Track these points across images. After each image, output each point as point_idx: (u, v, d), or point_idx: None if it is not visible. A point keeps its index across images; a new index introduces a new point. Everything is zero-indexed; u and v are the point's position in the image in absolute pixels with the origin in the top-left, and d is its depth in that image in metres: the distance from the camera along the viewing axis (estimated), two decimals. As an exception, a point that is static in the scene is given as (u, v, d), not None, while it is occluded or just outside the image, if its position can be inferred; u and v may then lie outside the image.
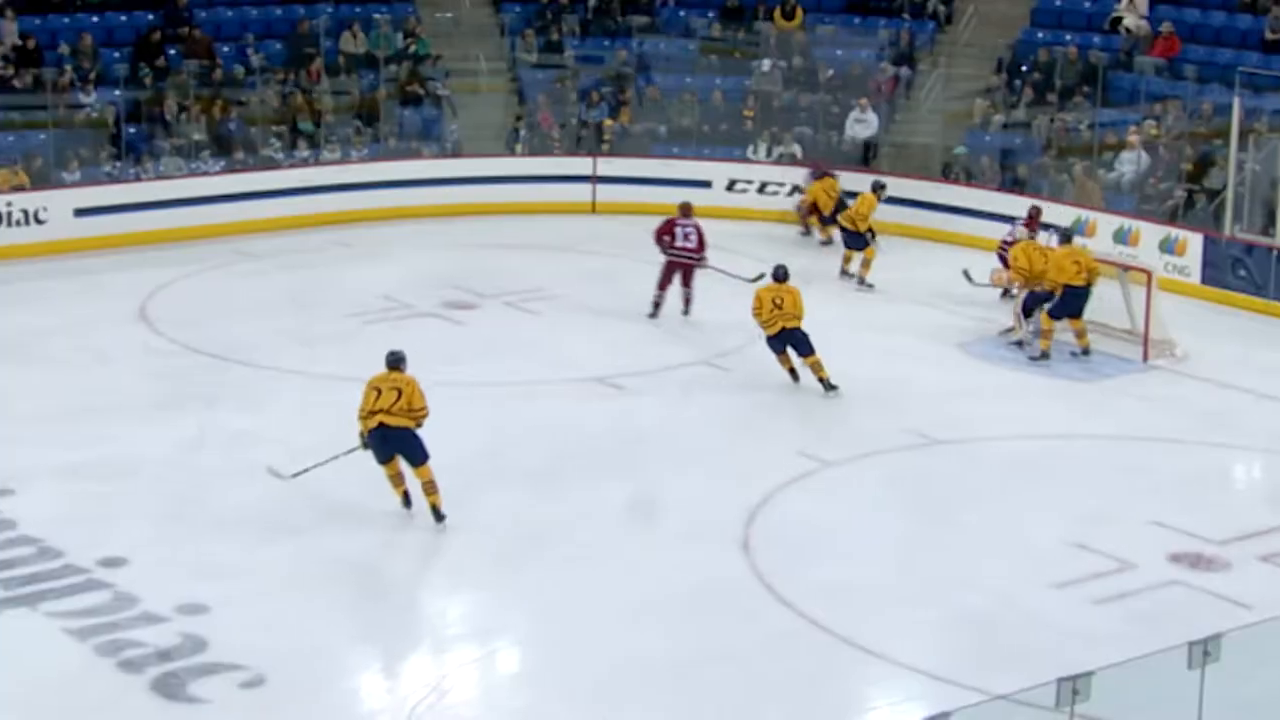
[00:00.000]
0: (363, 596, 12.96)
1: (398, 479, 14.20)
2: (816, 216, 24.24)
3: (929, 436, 16.45)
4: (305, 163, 25.16)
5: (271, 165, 25.00)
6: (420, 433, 14.05)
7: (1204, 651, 9.09)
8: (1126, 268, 19.86)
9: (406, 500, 14.24)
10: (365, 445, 14.20)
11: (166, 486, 14.95)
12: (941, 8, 27.98)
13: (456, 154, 26.36)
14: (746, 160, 26.38)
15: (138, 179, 24.03)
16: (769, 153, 26.38)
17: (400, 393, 14.10)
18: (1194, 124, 23.99)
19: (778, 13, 27.93)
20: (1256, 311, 21.13)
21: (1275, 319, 20.95)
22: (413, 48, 27.05)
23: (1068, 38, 26.32)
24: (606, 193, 25.98)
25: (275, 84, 25.76)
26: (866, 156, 26.11)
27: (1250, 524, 14.39)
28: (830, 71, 27.15)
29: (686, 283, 20.23)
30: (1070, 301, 18.71)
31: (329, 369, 18.11)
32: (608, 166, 26.12)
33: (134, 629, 12.14)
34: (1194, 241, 22.09)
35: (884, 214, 24.22)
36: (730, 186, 25.89)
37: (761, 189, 25.81)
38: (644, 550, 13.80)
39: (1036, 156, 25.10)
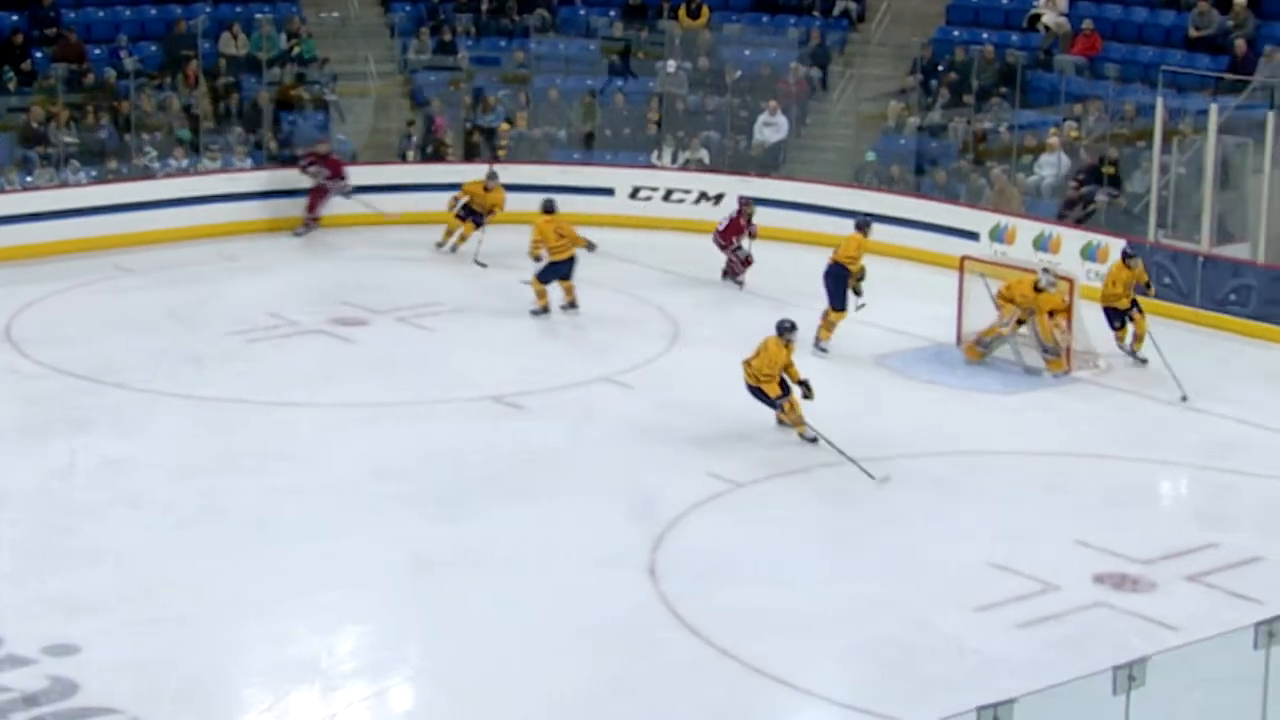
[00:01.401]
0: (245, 631, 12.82)
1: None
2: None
3: (842, 456, 16.48)
4: (184, 172, 24.95)
5: (147, 175, 24.77)
6: None
7: (1129, 676, 9.13)
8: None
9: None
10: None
11: (34, 518, 14.74)
12: (853, 6, 28.16)
13: (345, 161, 26.20)
14: (651, 166, 26.41)
15: (2, 191, 23.74)
16: (674, 158, 26.42)
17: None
18: (1116, 125, 24.22)
19: (682, 11, 28.00)
20: (1182, 320, 21.31)
21: (1201, 328, 21.18)
22: (297, 50, 26.91)
23: (984, 36, 26.53)
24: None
25: (150, 89, 25.51)
26: (776, 161, 26.19)
27: (1176, 543, 14.52)
28: (738, 73, 27.24)
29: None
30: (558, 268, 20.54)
31: (211, 390, 17.97)
32: (504, 173, 26.00)
33: (-2, 672, 11.97)
34: (1117, 248, 22.21)
35: (796, 221, 24.36)
36: (634, 194, 25.90)
37: (667, 196, 25.83)
38: (545, 579, 13.74)
39: (953, 160, 25.27)
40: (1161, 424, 17.82)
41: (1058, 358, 18.88)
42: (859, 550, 14.57)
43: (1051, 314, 18.95)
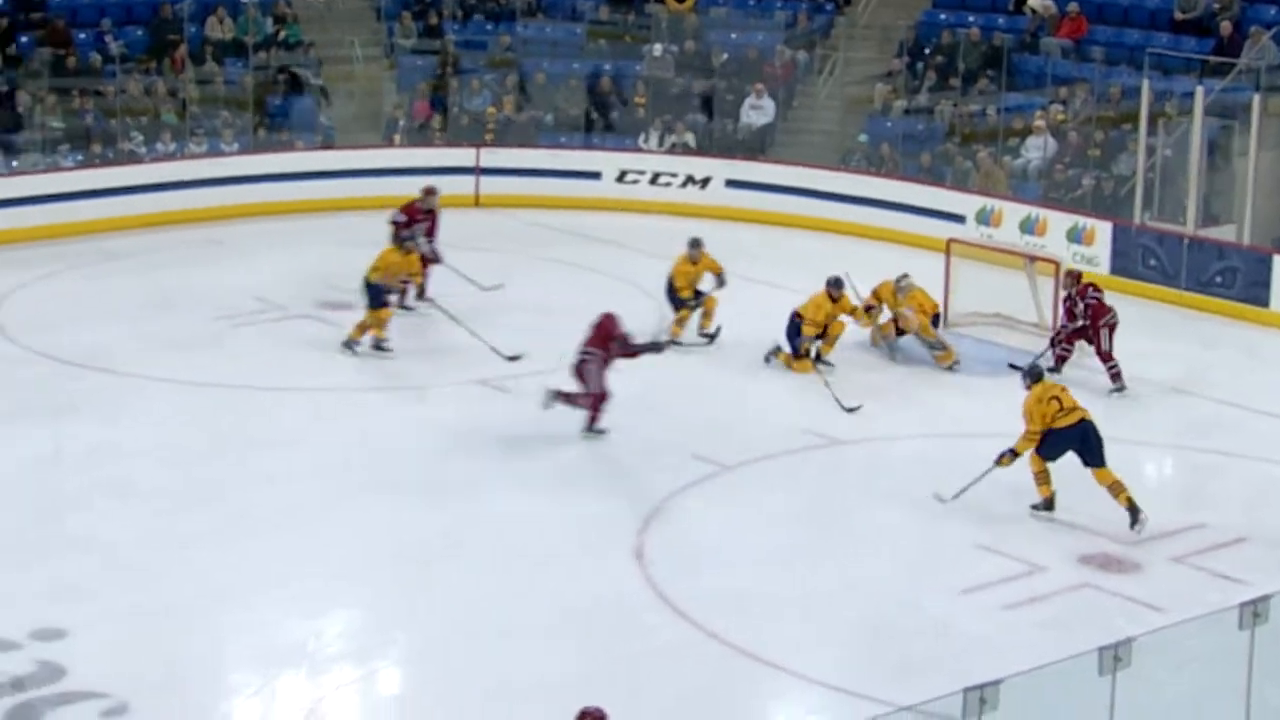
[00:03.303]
0: (232, 617, 12.79)
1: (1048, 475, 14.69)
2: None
3: (829, 437, 16.48)
4: (170, 156, 24.89)
5: (134, 160, 24.70)
6: None
7: (1115, 657, 9.14)
8: (1034, 258, 20.01)
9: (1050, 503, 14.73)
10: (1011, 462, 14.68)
11: (18, 504, 14.70)
12: (839, -11, 28.14)
13: (331, 146, 26.17)
14: (638, 150, 26.37)
15: (-11, 175, 23.69)
16: (661, 141, 26.38)
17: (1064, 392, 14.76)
18: (1102, 108, 24.21)
19: (669, -6, 27.97)
20: (1168, 302, 21.35)
21: (1187, 310, 21.20)
22: (283, 34, 26.83)
23: (971, 19, 26.52)
24: (491, 185, 25.88)
25: (136, 73, 25.44)
26: (763, 144, 26.15)
27: (1161, 523, 14.51)
28: (725, 56, 27.21)
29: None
30: None
31: (198, 375, 17.93)
32: (491, 157, 26.03)
33: (-15, 657, 11.93)
34: (1103, 230, 22.30)
35: (782, 205, 24.36)
36: (621, 178, 25.87)
37: (654, 180, 25.79)
38: (533, 562, 13.73)
39: (940, 143, 25.25)
40: (1147, 406, 17.83)
41: (945, 350, 18.69)
42: (845, 533, 14.57)
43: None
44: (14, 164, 24.02)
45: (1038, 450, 14.68)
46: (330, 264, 22.32)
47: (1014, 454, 14.71)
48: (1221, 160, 22.56)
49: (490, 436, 16.45)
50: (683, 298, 19.12)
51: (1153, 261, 21.61)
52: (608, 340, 16.31)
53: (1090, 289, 18.31)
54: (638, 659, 12.19)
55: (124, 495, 14.81)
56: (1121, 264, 21.99)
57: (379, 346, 18.75)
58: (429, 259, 20.18)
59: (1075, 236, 22.40)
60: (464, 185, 25.78)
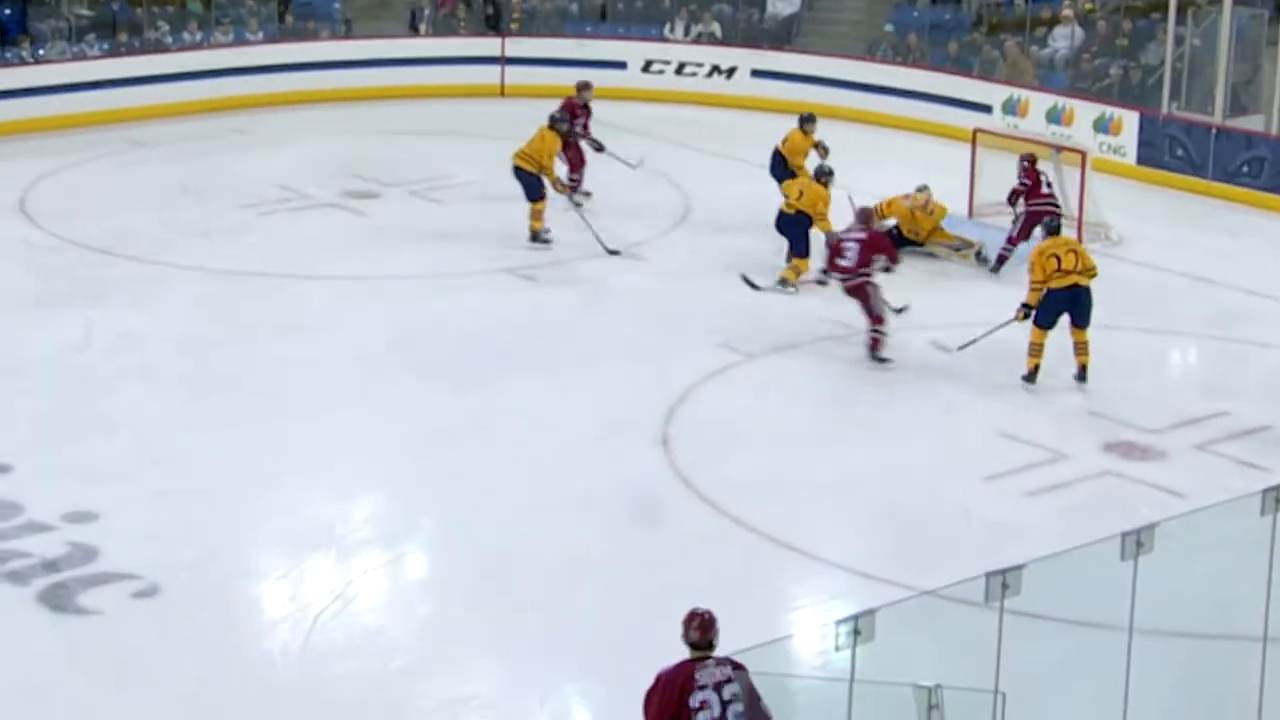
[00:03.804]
0: (260, 501, 12.87)
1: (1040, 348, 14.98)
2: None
3: (852, 327, 16.45)
4: (196, 45, 24.80)
5: (160, 48, 24.62)
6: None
7: (1137, 542, 9.15)
8: (1060, 148, 19.88)
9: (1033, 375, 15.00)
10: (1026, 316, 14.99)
11: (50, 388, 14.77)
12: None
13: (356, 35, 26.04)
14: (663, 39, 26.21)
15: (16, 63, 23.61)
16: (687, 31, 26.21)
17: (1077, 254, 14.96)
18: (1129, -2, 24.03)
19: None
20: (1194, 193, 21.24)
21: (1213, 200, 21.08)
22: (307, -82, 26.69)
23: (1000, -94, 26.25)
24: (516, 75, 25.80)
25: (160, -40, 25.36)
26: (789, 34, 25.97)
27: (1185, 411, 14.52)
28: (751, -56, 27.00)
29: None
30: None
31: (223, 263, 17.97)
32: (516, 47, 25.91)
33: (18, 539, 12.01)
34: (1130, 120, 22.14)
35: (808, 95, 24.20)
36: (646, 68, 25.73)
37: (679, 70, 25.65)
38: (557, 448, 13.77)
39: (966, 33, 25.04)
40: (1171, 294, 17.77)
41: (967, 249, 18.58)
42: (869, 421, 14.59)
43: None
44: (40, 52, 23.95)
45: (1036, 318, 15.00)
46: (355, 152, 22.31)
47: (1026, 307, 15.05)
48: (1251, 50, 22.35)
49: (516, 324, 16.47)
50: (795, 166, 18.78)
51: (1180, 152, 21.48)
52: (874, 254, 15.76)
53: (1040, 177, 18.13)
54: (665, 545, 12.24)
55: (152, 380, 14.88)
56: (1148, 154, 21.86)
57: (537, 238, 18.58)
58: (596, 148, 20.02)
59: (1102, 126, 22.26)
60: (489, 75, 25.72)
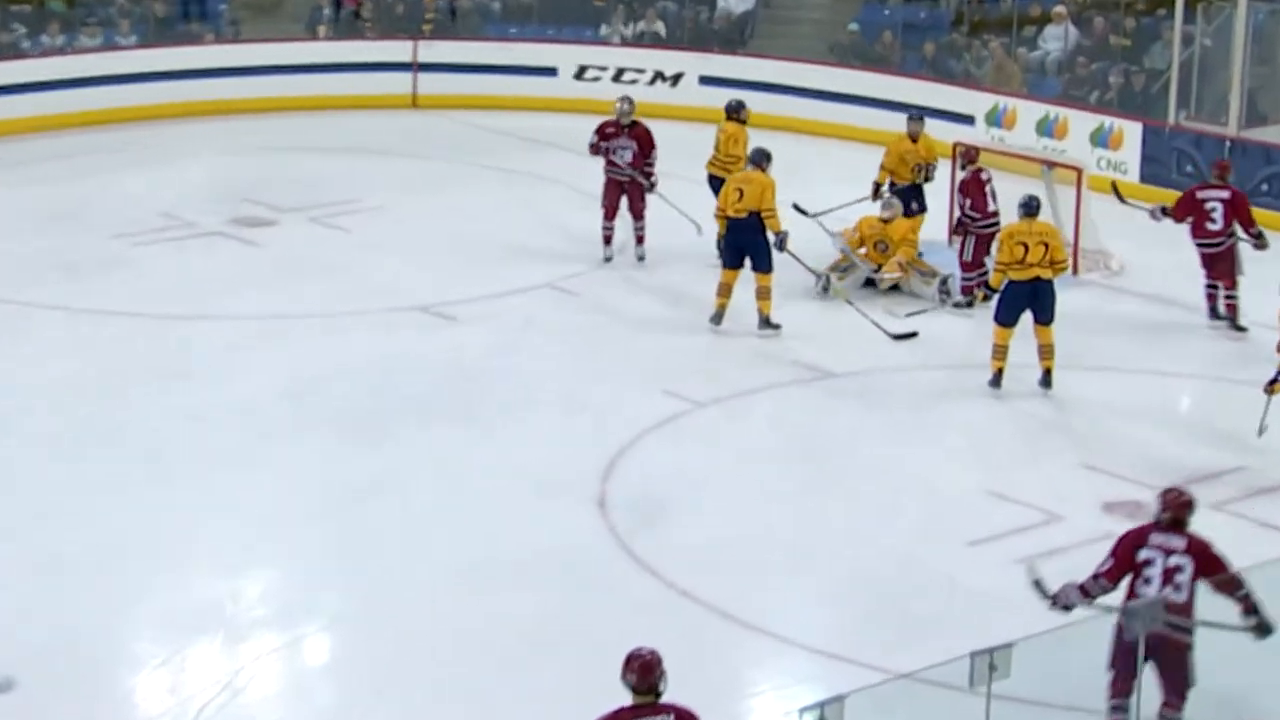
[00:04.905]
0: (136, 575, 12.81)
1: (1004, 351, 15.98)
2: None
3: (820, 369, 16.53)
4: (59, 50, 24.77)
5: (16, 54, 24.58)
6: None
7: (1142, 617, 9.21)
8: (1052, 164, 20.03)
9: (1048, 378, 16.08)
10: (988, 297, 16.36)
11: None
12: None
13: (245, 39, 26.06)
14: (599, 42, 26.31)
15: None
16: (627, 32, 26.32)
17: (1048, 246, 15.81)
18: (1132, -10, 24.28)
19: None
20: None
21: (1227, 223, 21.24)
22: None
23: (983, -112, 26.51)
24: (430, 83, 25.86)
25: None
26: (742, 35, 26.12)
27: (1197, 466, 14.58)
28: (700, -68, 27.17)
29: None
30: None
31: (93, 302, 17.93)
32: (430, 52, 25.96)
33: None
34: (1132, 132, 22.35)
35: (765, 104, 24.29)
36: (580, 74, 25.83)
37: (617, 76, 25.77)
38: (480, 511, 13.77)
39: (945, 33, 25.23)
40: (1181, 331, 17.89)
41: (931, 277, 18.69)
42: (837, 477, 14.63)
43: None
44: (-119, 59, 23.92)
45: (996, 314, 15.93)
46: (247, 173, 22.32)
47: (988, 288, 16.34)
48: (1269, 51, 22.59)
49: (433, 369, 16.48)
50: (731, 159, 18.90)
51: (1189, 168, 21.67)
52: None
53: (985, 185, 18.46)
54: (603, 622, 12.21)
55: (10, 436, 14.81)
56: (1153, 170, 22.06)
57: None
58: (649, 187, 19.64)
59: (1100, 140, 22.46)
60: (400, 84, 25.79)
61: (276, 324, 17.55)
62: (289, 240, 20.12)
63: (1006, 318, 15.97)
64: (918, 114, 20.05)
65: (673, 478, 14.47)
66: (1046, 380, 16.04)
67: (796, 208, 18.12)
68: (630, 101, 19.55)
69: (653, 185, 19.16)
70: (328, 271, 19.03)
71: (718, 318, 17.36)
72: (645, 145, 19.19)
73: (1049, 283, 15.88)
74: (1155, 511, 10.39)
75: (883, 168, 19.72)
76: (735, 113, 19.60)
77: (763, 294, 17.34)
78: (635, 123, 19.29)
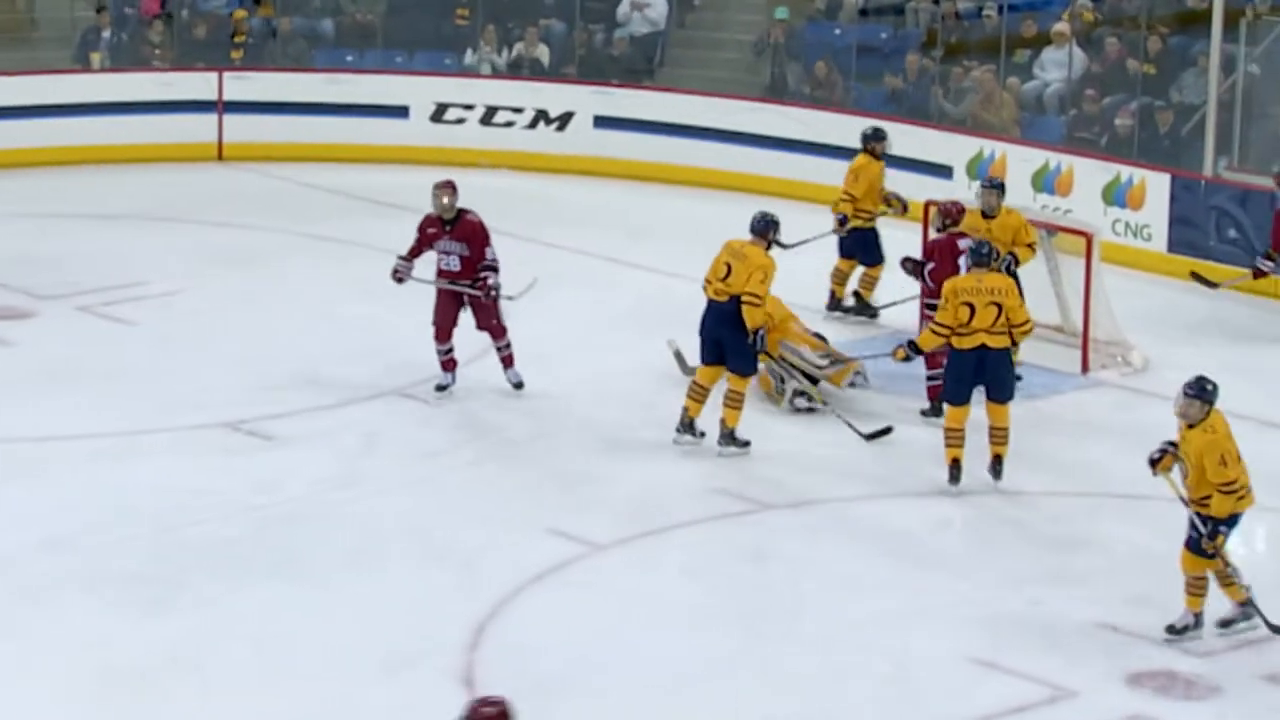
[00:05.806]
0: None
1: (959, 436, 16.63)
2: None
3: (750, 500, 16.57)
4: None
5: None
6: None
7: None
8: (1053, 229, 20.16)
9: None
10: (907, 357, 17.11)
11: None
12: None
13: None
14: (463, 73, 26.42)
15: None
16: (499, 59, 26.46)
17: (1002, 307, 16.35)
18: (1155, 3, 24.48)
19: None
20: (1253, 294, 21.53)
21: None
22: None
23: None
24: (240, 128, 25.90)
25: None
26: (650, 63, 26.27)
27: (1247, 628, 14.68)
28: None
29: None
30: None
31: None
32: (241, 86, 25.99)
33: None
34: (1157, 186, 22.52)
35: (675, 153, 24.44)
36: (438, 115, 25.93)
37: (487, 118, 25.88)
38: (309, 695, 13.71)
39: (911, 58, 25.43)
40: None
41: (839, 367, 18.78)
42: (773, 643, 14.61)
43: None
44: None
45: (945, 391, 16.68)
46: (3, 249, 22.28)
47: (912, 346, 16.93)
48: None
49: (242, 506, 16.44)
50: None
51: (1232, 232, 21.84)
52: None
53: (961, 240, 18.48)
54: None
55: None
56: (1185, 235, 22.25)
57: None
58: None
59: (1116, 196, 22.65)
60: (202, 129, 25.82)
61: (33, 450, 17.49)
62: (50, 337, 20.13)
63: (955, 395, 16.64)
64: (997, 184, 19.71)
65: (560, 648, 14.44)
66: (996, 469, 16.77)
67: (777, 243, 18.11)
68: (452, 189, 18.56)
69: (492, 294, 18.50)
70: (103, 379, 19.00)
71: (687, 428, 17.55)
72: (477, 243, 18.49)
73: (1002, 352, 16.38)
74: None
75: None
76: (868, 141, 20.68)
77: (733, 401, 17.48)
78: (460, 215, 18.63)
